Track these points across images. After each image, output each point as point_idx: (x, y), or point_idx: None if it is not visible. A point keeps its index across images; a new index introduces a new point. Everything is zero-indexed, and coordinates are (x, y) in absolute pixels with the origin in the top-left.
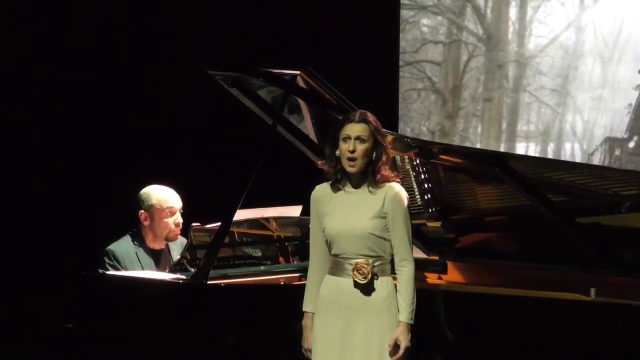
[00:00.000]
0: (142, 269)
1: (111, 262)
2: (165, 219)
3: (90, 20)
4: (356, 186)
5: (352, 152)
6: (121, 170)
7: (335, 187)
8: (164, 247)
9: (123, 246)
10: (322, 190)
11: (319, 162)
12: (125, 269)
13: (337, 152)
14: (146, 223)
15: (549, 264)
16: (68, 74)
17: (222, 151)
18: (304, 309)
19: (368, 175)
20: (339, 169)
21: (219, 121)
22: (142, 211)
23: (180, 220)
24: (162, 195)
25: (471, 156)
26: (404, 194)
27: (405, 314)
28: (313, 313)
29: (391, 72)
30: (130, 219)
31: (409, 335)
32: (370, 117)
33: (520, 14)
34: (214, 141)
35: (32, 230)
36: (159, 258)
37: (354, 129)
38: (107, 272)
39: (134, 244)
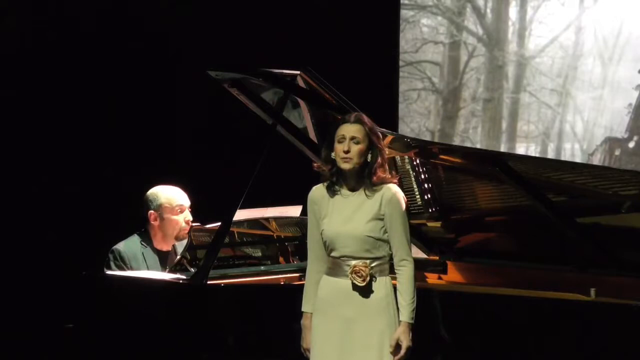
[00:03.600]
0: (148, 269)
1: (117, 262)
2: (175, 217)
3: (91, 21)
4: (353, 189)
5: (347, 152)
6: (121, 171)
7: (332, 190)
8: (170, 249)
9: (130, 246)
10: (319, 192)
11: (315, 165)
12: (131, 269)
13: (333, 154)
14: (156, 223)
15: (549, 264)
16: (70, 74)
17: (222, 151)
18: (303, 309)
19: (364, 178)
20: (335, 171)
21: (219, 121)
22: (152, 211)
23: (190, 217)
24: (171, 194)
25: (471, 156)
26: (401, 195)
27: (406, 313)
28: (312, 313)
29: (391, 72)
30: (133, 219)
31: (410, 335)
32: (366, 119)
33: (520, 14)
34: (214, 141)
35: (32, 230)
36: (165, 260)
37: (348, 130)
38: (108, 272)
39: (142, 245)
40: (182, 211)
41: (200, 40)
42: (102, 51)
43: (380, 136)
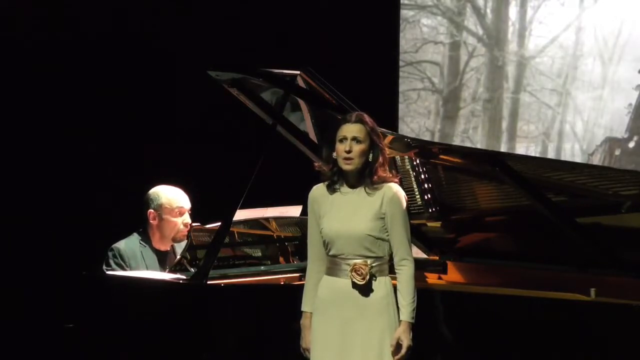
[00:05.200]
0: (147, 269)
1: (117, 260)
2: (174, 219)
3: (91, 20)
4: (353, 187)
5: (349, 152)
6: (121, 171)
7: (332, 189)
8: (169, 249)
9: (129, 245)
10: (319, 191)
11: (316, 164)
12: (130, 268)
13: (334, 154)
14: (154, 222)
15: (549, 264)
16: (72, 74)
17: (222, 151)
18: (303, 308)
19: (365, 177)
20: (336, 170)
21: (218, 121)
22: (151, 210)
23: (189, 220)
24: (172, 195)
25: (471, 156)
26: (402, 194)
27: (406, 313)
28: (311, 313)
29: (391, 72)
30: (132, 219)
31: (411, 334)
32: (367, 118)
33: (520, 14)
34: (214, 141)
35: (32, 230)
36: (164, 259)
37: (350, 130)
38: (107, 272)
39: (140, 244)
40: (181, 214)
41: (200, 40)
42: (103, 51)
43: (381, 136)
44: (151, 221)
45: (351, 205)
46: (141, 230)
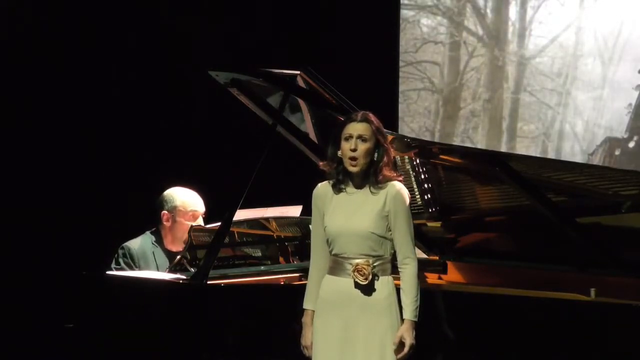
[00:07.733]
0: (157, 269)
1: (126, 260)
2: (188, 222)
3: (92, 21)
4: (358, 187)
5: (354, 150)
6: (120, 171)
7: (338, 188)
8: (180, 250)
9: (141, 244)
10: (323, 188)
11: (321, 163)
12: (139, 268)
13: (339, 153)
14: (167, 224)
15: (549, 264)
16: (75, 74)
17: (222, 151)
18: (304, 306)
19: (370, 176)
20: (341, 169)
21: (219, 121)
22: (165, 212)
23: (202, 224)
24: (187, 198)
25: (471, 156)
26: (406, 192)
27: (409, 311)
28: (312, 310)
29: (391, 72)
30: (134, 219)
31: (414, 333)
32: (372, 117)
33: (520, 14)
34: (214, 141)
35: (33, 230)
36: (174, 260)
37: (355, 128)
38: (107, 272)
39: (153, 244)
40: (195, 217)
41: (201, 40)
42: (105, 52)
43: (387, 135)
44: (164, 222)
45: (355, 203)
46: (154, 230)
